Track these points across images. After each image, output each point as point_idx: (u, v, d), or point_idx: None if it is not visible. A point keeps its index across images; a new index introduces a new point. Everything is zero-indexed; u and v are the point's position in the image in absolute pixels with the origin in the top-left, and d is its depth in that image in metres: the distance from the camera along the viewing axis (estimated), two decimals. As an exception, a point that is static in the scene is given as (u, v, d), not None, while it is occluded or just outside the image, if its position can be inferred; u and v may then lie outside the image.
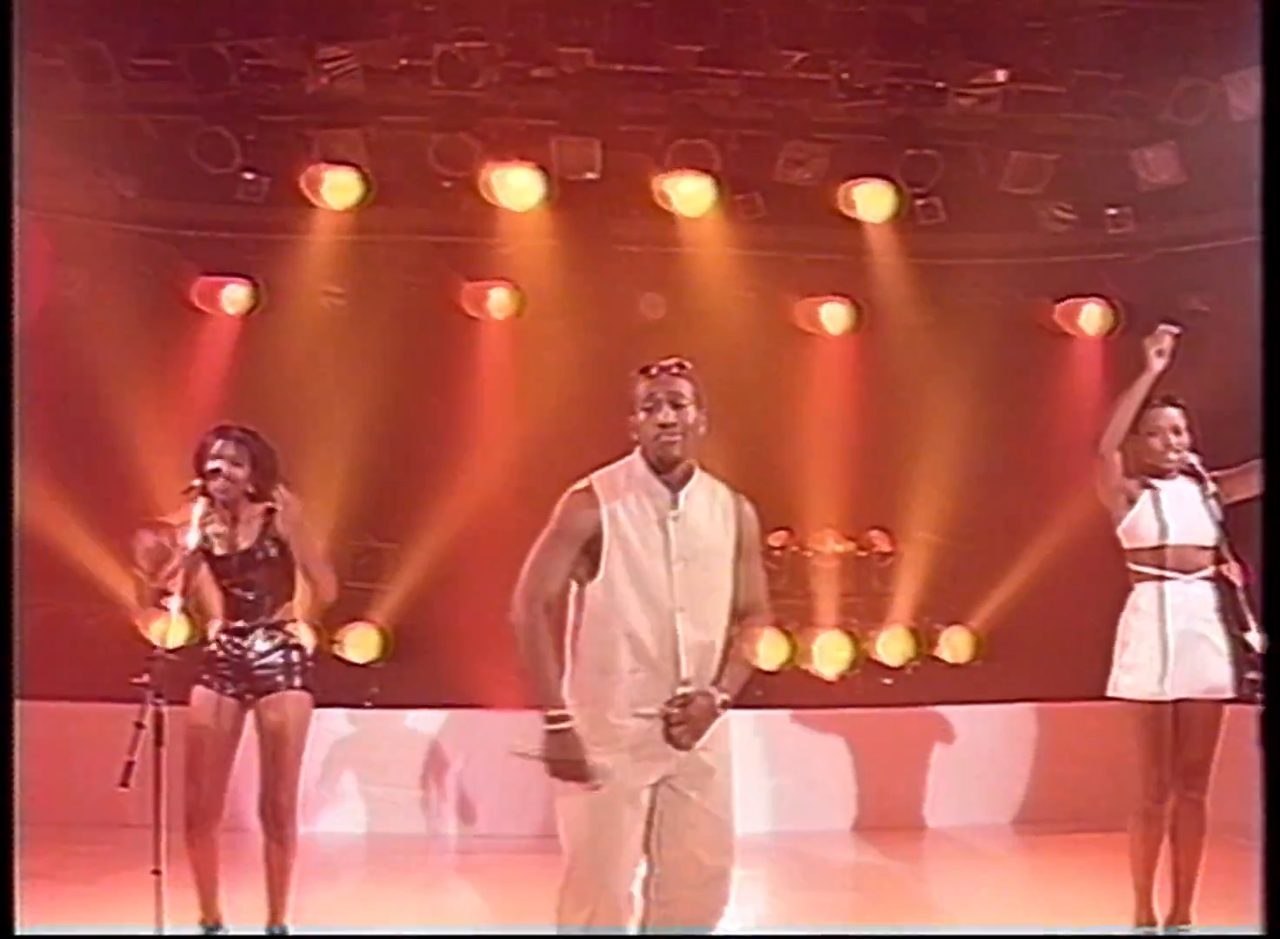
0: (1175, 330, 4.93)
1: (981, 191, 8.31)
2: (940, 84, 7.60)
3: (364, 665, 8.45)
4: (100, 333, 8.01)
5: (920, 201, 8.38)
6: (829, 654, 8.50)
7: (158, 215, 8.29)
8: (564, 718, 3.62)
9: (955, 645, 8.62)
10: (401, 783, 7.92)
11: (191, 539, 4.54)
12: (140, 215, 8.23)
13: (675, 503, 3.74)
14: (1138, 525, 5.00)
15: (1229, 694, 4.97)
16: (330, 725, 7.74)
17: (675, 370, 3.79)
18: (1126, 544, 5.05)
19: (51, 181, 7.74)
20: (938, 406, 8.53)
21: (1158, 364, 4.93)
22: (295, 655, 4.96)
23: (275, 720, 4.87)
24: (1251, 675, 4.72)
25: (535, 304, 8.83)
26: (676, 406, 3.73)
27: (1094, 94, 7.70)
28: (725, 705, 3.74)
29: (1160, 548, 4.92)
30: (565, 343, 8.60)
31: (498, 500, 8.25)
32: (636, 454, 3.79)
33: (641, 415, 3.74)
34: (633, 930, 3.71)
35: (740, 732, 7.91)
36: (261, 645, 4.92)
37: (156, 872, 4.27)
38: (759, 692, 8.44)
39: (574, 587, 3.75)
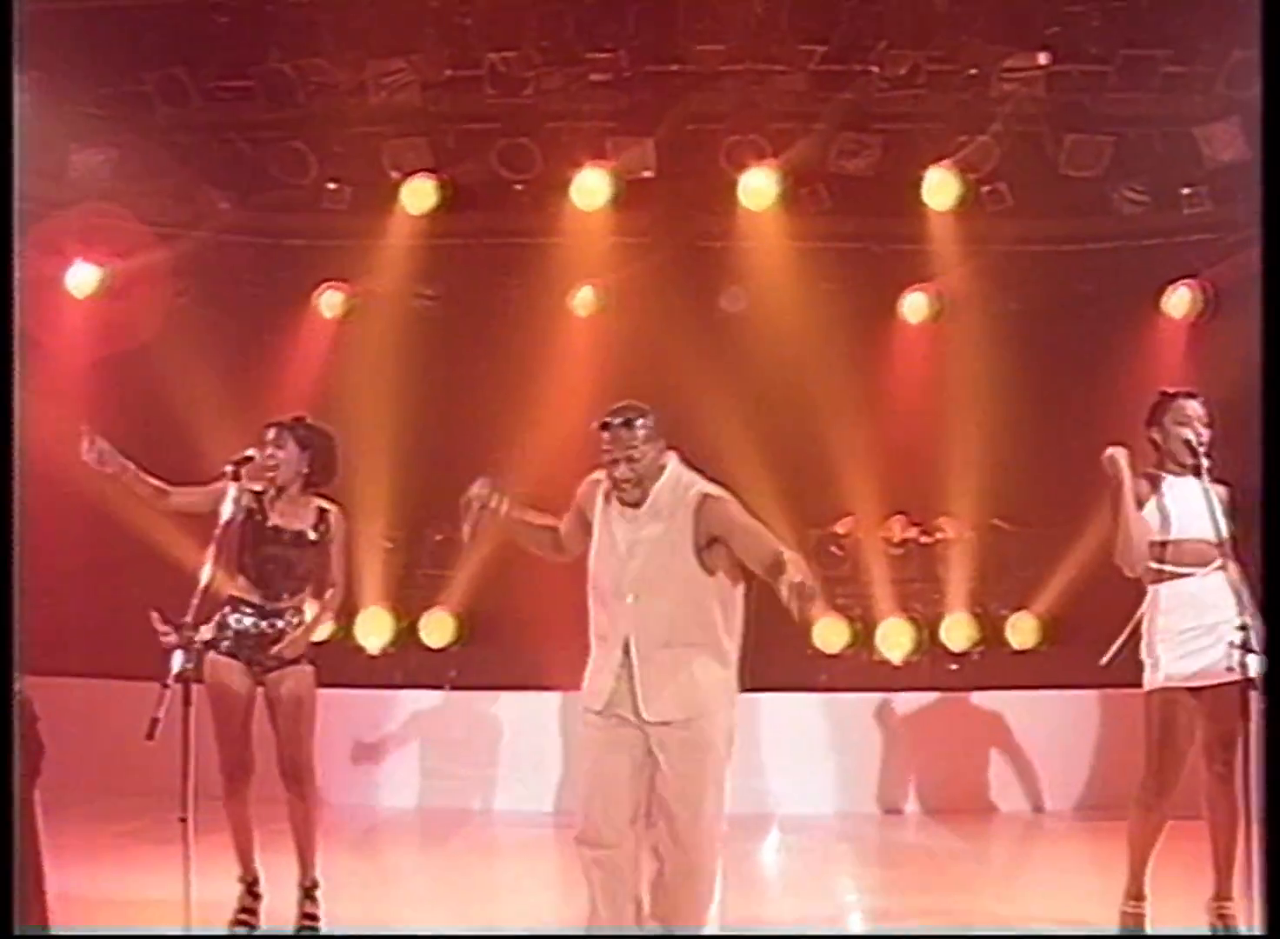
0: (1123, 452, 4.94)
1: (1043, 176, 8.17)
2: (974, 71, 7.51)
3: (441, 650, 8.76)
4: (211, 335, 8.69)
5: (985, 188, 8.29)
6: (893, 640, 8.49)
7: (254, 226, 8.84)
8: None
9: (1021, 631, 8.49)
10: (478, 762, 8.38)
11: (226, 511, 4.78)
12: (237, 226, 8.80)
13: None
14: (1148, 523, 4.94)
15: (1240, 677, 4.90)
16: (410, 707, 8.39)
17: (624, 424, 4.23)
18: None
19: (156, 199, 8.46)
20: (1013, 394, 8.34)
21: (1125, 477, 4.91)
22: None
23: (290, 689, 5.23)
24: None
25: (617, 300, 9.09)
26: (630, 460, 4.20)
27: (1144, 72, 7.55)
28: None
29: (1167, 543, 4.86)
30: (648, 338, 8.81)
31: (569, 492, 8.53)
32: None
33: (605, 465, 4.27)
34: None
35: (806, 714, 8.18)
36: (279, 623, 5.25)
37: (183, 819, 4.37)
38: (824, 675, 8.59)
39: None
